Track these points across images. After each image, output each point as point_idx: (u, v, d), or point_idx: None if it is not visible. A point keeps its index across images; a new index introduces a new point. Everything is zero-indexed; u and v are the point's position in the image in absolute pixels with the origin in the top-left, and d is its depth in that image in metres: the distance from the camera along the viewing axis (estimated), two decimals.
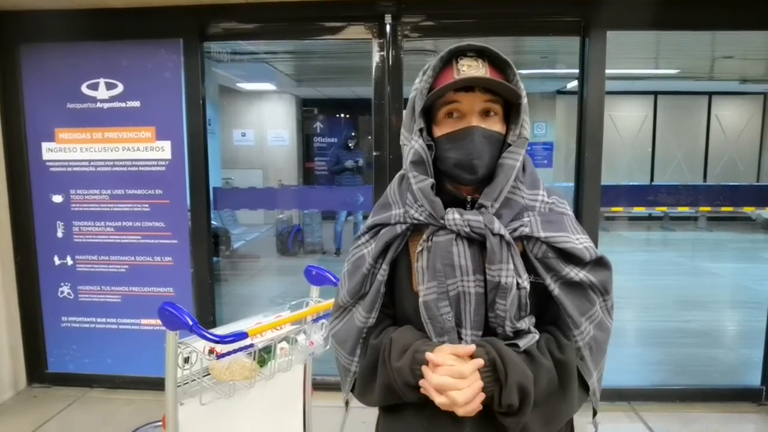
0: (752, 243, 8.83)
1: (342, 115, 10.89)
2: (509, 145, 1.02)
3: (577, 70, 3.21)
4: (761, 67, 7.70)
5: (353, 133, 7.58)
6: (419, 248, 1.04)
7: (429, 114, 1.05)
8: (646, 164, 10.38)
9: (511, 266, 0.98)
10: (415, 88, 1.04)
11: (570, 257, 1.01)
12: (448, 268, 1.00)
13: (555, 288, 1.00)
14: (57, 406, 3.28)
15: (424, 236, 1.04)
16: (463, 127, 1.00)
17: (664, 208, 3.45)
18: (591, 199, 3.19)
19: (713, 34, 4.83)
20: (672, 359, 3.97)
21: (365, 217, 7.49)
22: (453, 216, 1.00)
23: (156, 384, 3.29)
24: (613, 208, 3.46)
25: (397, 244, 1.07)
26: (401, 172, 1.13)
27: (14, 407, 3.30)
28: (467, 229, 0.99)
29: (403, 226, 1.06)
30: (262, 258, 7.72)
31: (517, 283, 0.98)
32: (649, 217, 9.79)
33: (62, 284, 3.43)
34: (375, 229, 1.12)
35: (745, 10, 3.05)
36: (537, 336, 1.01)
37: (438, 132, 1.03)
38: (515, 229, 1.01)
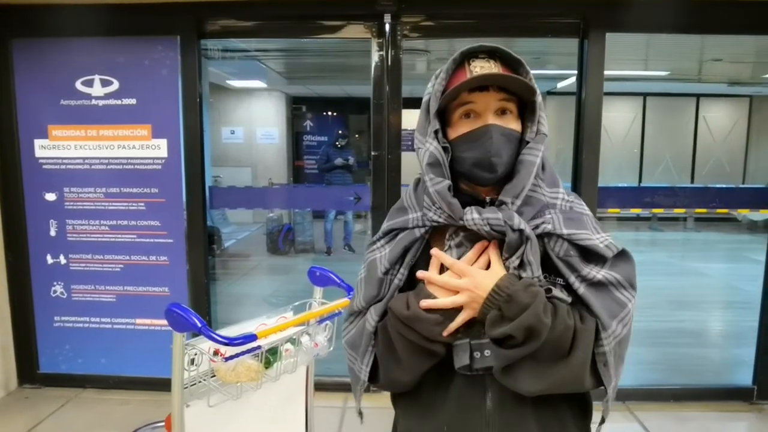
0: (738, 243, 8.95)
1: (332, 114, 10.86)
2: (527, 142, 1.02)
3: (568, 71, 3.23)
4: (749, 69, 7.79)
5: (343, 132, 7.59)
6: (445, 247, 1.04)
7: (443, 117, 1.04)
8: (635, 165, 10.48)
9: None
10: (428, 92, 1.03)
11: (592, 255, 1.00)
12: None
13: (580, 287, 0.98)
14: (50, 407, 3.23)
15: (447, 236, 1.05)
16: (480, 126, 0.99)
17: (656, 210, 3.47)
18: (588, 200, 3.17)
19: (703, 37, 4.88)
20: (665, 359, 4.01)
21: (358, 216, 7.46)
22: (472, 215, 0.99)
23: (151, 384, 3.29)
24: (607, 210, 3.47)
25: (416, 247, 1.07)
26: (417, 176, 1.11)
27: (5, 409, 3.25)
28: (487, 228, 0.98)
29: (422, 230, 1.06)
30: (253, 257, 7.70)
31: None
32: (638, 218, 9.89)
33: (55, 283, 3.38)
34: (392, 233, 1.11)
35: (744, 13, 3.06)
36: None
37: (453, 134, 1.03)
38: (537, 226, 1.00)
